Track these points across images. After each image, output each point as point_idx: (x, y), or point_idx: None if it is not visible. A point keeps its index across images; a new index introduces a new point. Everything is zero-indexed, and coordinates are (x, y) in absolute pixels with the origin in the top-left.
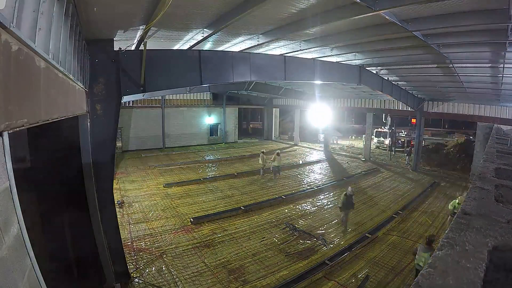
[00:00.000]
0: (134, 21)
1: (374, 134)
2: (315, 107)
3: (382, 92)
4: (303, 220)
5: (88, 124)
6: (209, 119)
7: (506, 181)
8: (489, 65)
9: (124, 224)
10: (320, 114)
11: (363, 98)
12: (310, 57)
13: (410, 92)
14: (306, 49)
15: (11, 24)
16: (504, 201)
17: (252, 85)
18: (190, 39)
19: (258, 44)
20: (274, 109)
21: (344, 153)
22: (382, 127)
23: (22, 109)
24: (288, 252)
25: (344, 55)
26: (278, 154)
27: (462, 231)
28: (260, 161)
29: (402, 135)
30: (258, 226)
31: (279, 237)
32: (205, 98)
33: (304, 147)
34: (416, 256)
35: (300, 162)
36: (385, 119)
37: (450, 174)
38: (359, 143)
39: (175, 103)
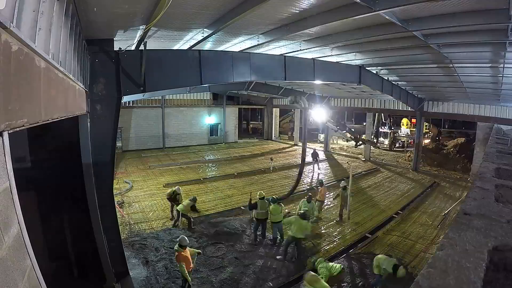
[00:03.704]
0: (134, 21)
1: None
2: (315, 107)
3: (382, 92)
4: None
5: (88, 124)
6: (209, 119)
7: (506, 181)
8: (489, 65)
9: (124, 224)
10: (320, 114)
11: (363, 98)
12: (310, 57)
13: (410, 92)
14: (306, 49)
15: (11, 24)
16: (504, 201)
17: (252, 85)
18: (190, 39)
19: (258, 44)
20: (274, 109)
21: (344, 153)
22: (382, 127)
23: (22, 109)
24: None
25: (344, 55)
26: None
27: (462, 231)
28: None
29: (402, 134)
30: None
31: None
32: (205, 98)
33: None
34: None
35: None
36: (385, 119)
37: (450, 174)
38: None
39: (175, 103)
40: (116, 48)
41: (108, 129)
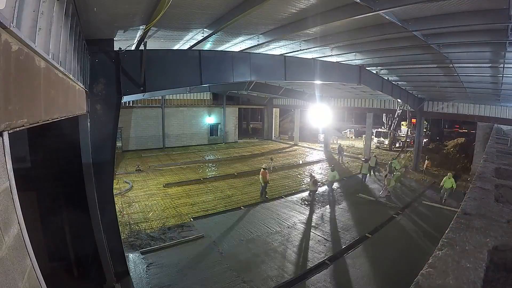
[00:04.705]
0: (134, 21)
1: (374, 134)
2: (315, 107)
3: (382, 92)
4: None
5: (88, 124)
6: (209, 119)
7: (506, 181)
8: (489, 65)
9: (124, 224)
10: (320, 114)
11: (363, 98)
12: (310, 57)
13: (410, 92)
14: (306, 49)
15: (11, 24)
16: (504, 201)
17: (252, 85)
18: (190, 39)
19: (258, 44)
20: (274, 109)
21: (344, 153)
22: (382, 127)
23: (22, 109)
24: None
25: (344, 55)
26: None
27: (462, 231)
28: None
29: (402, 134)
30: None
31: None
32: (205, 98)
33: (304, 147)
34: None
35: (300, 162)
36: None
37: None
38: (359, 143)
39: (175, 103)
40: (116, 48)
41: (108, 129)
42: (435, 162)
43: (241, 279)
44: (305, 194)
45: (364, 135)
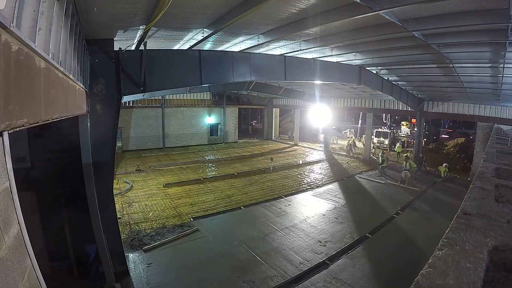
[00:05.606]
0: (134, 21)
1: (374, 134)
2: (315, 107)
3: (382, 92)
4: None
5: (88, 124)
6: (209, 119)
7: (506, 181)
8: (489, 65)
9: (124, 224)
10: (320, 114)
11: (363, 98)
12: (310, 57)
13: (410, 92)
14: (306, 49)
15: (11, 24)
16: (504, 201)
17: (252, 85)
18: (190, 39)
19: (258, 44)
20: (274, 109)
21: (344, 153)
22: (383, 127)
23: (22, 109)
24: None
25: (344, 55)
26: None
27: (462, 231)
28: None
29: (402, 134)
30: None
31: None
32: (205, 98)
33: (304, 147)
34: None
35: (300, 162)
36: (385, 119)
37: (450, 174)
38: (359, 143)
39: (175, 103)
40: (116, 48)
41: (108, 129)
42: (435, 162)
43: (241, 279)
44: (304, 194)
45: (364, 135)
